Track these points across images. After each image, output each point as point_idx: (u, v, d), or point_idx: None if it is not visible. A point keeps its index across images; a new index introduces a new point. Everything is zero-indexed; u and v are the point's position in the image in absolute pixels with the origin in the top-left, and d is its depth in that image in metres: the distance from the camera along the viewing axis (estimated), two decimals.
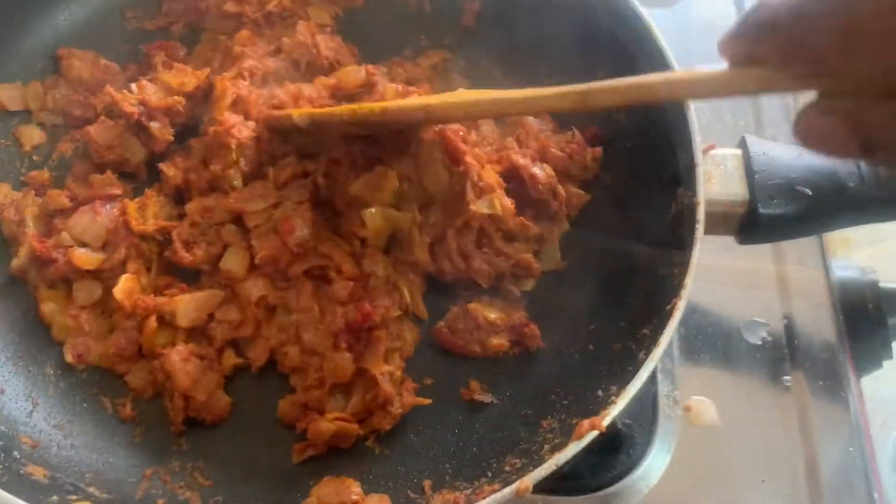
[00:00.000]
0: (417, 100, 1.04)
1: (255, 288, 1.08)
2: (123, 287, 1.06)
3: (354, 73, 1.18)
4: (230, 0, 1.30)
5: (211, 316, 1.08)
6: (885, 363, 1.34)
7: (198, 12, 1.33)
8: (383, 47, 1.36)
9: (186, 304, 1.05)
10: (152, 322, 1.04)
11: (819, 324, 1.30)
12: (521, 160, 1.14)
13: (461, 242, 1.08)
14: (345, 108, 1.07)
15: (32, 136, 1.22)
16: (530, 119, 1.24)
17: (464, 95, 1.04)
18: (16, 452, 0.96)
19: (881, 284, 1.34)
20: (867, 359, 1.32)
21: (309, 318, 1.07)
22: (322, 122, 1.07)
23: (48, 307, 1.09)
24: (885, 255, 1.47)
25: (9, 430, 0.99)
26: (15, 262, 1.10)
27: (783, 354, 1.26)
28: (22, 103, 1.23)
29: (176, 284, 1.10)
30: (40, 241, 1.09)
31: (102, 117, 1.19)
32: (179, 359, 1.02)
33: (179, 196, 1.17)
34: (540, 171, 1.14)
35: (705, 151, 1.09)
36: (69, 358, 1.07)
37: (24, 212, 1.12)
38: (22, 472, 0.93)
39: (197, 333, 1.08)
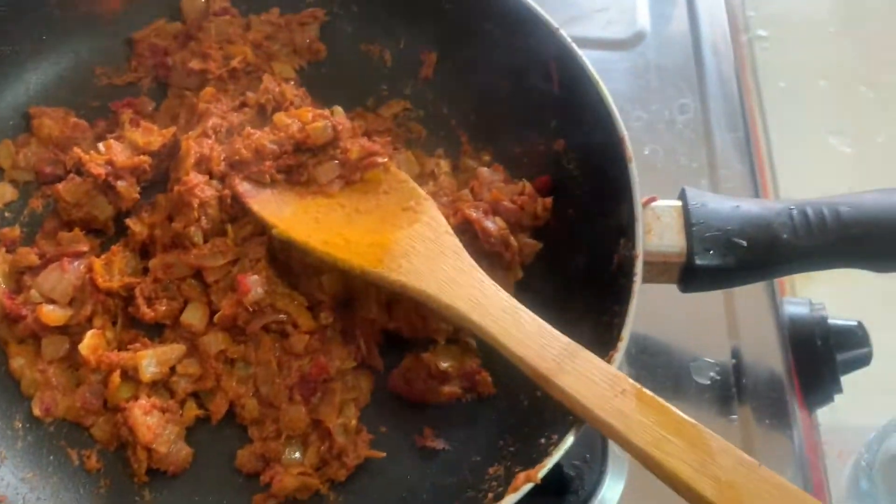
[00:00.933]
0: (397, 276, 1.08)
1: (215, 342, 1.13)
2: (89, 343, 1.10)
3: (322, 131, 1.21)
4: (195, 58, 1.35)
5: (172, 369, 1.12)
6: (837, 397, 1.38)
7: (164, 68, 1.38)
8: (345, 98, 1.41)
9: (148, 360, 1.10)
10: (116, 377, 1.08)
11: (767, 361, 1.34)
12: (474, 214, 1.18)
13: (418, 304, 1.12)
14: (324, 250, 1.12)
15: (4, 193, 1.27)
16: (483, 170, 1.29)
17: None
18: None
19: (830, 321, 1.39)
20: (817, 393, 1.37)
21: (267, 371, 1.11)
22: (297, 247, 1.13)
23: (17, 362, 1.13)
24: (837, 291, 1.52)
25: None
26: None
27: (731, 393, 1.30)
28: None
29: (140, 339, 1.14)
30: (10, 298, 1.13)
31: (71, 175, 1.23)
32: (141, 412, 1.06)
33: (145, 250, 1.22)
34: (492, 225, 1.18)
35: (646, 204, 1.13)
36: (37, 412, 1.11)
37: None
38: None
39: (159, 386, 1.12)
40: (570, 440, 0.96)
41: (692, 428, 0.91)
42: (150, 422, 1.06)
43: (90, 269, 1.15)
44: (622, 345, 1.02)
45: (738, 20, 1.87)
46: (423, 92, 1.44)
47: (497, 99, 1.38)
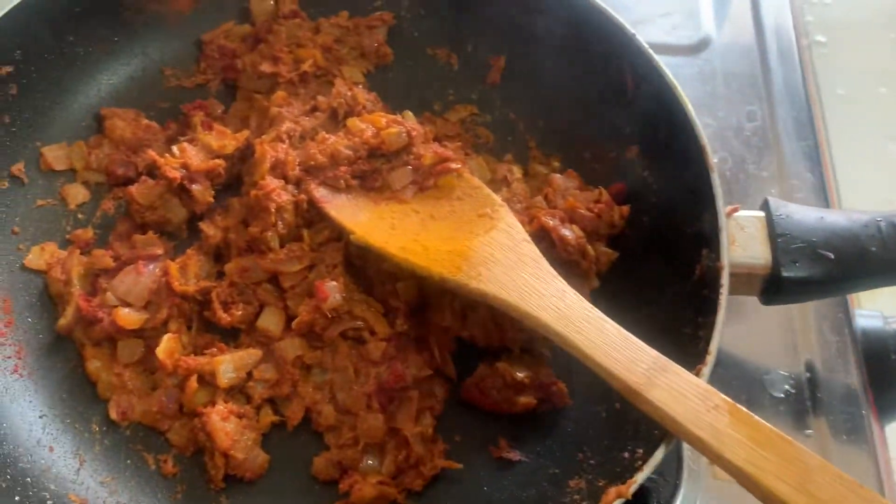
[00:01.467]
0: (477, 285, 1.06)
1: (292, 347, 1.12)
2: (165, 347, 1.10)
3: (397, 137, 1.21)
4: (265, 61, 1.35)
5: (249, 375, 1.12)
6: None
7: (234, 70, 1.38)
8: (412, 103, 1.40)
9: (226, 365, 1.09)
10: (193, 382, 1.08)
11: (842, 375, 1.32)
12: (551, 222, 1.17)
13: (494, 312, 1.11)
14: (402, 257, 1.11)
15: (77, 194, 1.27)
16: (557, 176, 1.28)
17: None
18: None
19: None
20: (891, 408, 1.34)
21: (343, 377, 1.10)
22: (375, 253, 1.12)
23: (94, 365, 1.13)
24: None
25: (58, 489, 1.03)
26: (62, 322, 1.15)
27: (805, 407, 1.28)
28: (67, 163, 1.28)
29: (216, 343, 1.14)
30: (86, 301, 1.13)
31: (143, 177, 1.23)
32: (219, 418, 1.06)
33: (217, 254, 1.21)
34: (569, 233, 1.16)
35: (729, 214, 1.11)
36: (114, 415, 1.11)
37: (71, 271, 1.17)
38: None
39: (235, 392, 1.12)
40: (660, 455, 0.94)
41: (787, 444, 0.89)
42: (228, 427, 1.06)
43: (166, 273, 1.14)
44: (710, 359, 1.00)
45: (798, 25, 1.84)
46: (490, 97, 1.43)
47: (567, 104, 1.37)
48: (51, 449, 1.07)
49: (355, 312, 1.12)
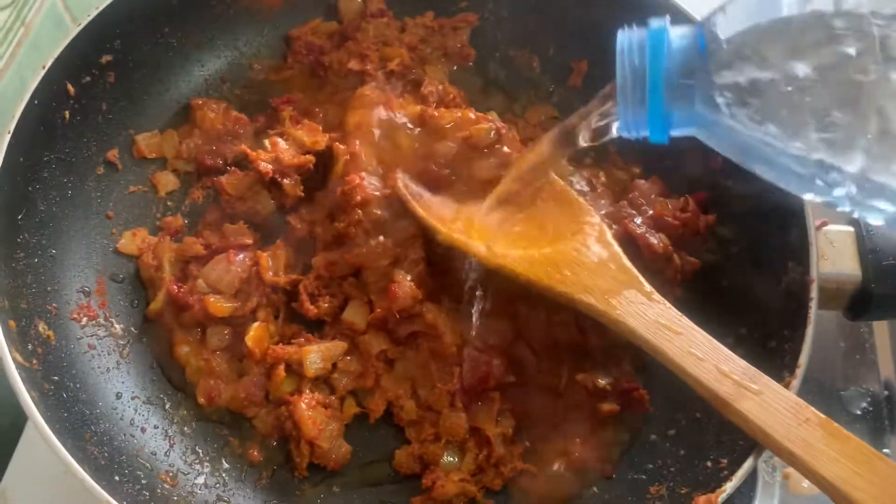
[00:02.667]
0: (563, 288, 1.07)
1: (376, 341, 1.14)
2: (254, 335, 1.12)
3: (486, 133, 1.22)
4: (353, 58, 1.37)
5: (334, 366, 1.14)
6: None
7: (321, 67, 1.40)
8: (493, 104, 1.41)
9: (313, 355, 1.11)
10: (281, 371, 1.10)
11: None
12: (638, 229, 1.17)
13: (578, 317, 1.12)
14: (486, 257, 1.12)
15: (167, 182, 1.30)
16: (641, 182, 1.28)
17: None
18: (158, 490, 1.02)
19: None
20: None
21: (425, 374, 1.12)
22: (459, 250, 1.14)
23: (182, 350, 1.16)
24: None
25: (151, 468, 1.06)
26: (153, 306, 1.18)
27: (883, 425, 1.27)
28: (158, 151, 1.31)
29: (302, 334, 1.16)
30: (177, 287, 1.16)
31: (233, 168, 1.26)
32: (307, 407, 1.08)
33: (304, 246, 1.23)
34: (656, 241, 1.17)
35: (818, 228, 1.11)
36: (201, 399, 1.13)
37: (162, 257, 1.20)
38: None
39: (320, 382, 1.14)
40: (748, 465, 0.95)
41: (881, 462, 0.88)
42: (315, 416, 1.08)
43: (256, 263, 1.17)
44: (800, 371, 1.00)
45: None
46: (570, 100, 1.43)
47: None
48: (143, 430, 1.10)
49: (427, 318, 1.13)
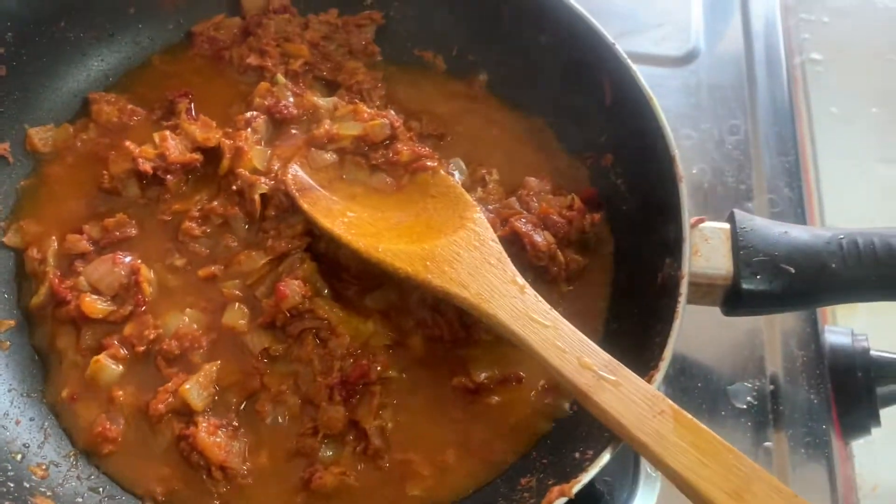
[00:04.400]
0: (441, 283, 1.08)
1: (259, 339, 1.14)
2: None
3: (381, 129, 1.24)
4: (253, 53, 1.37)
5: (216, 387, 1.12)
6: (874, 430, 1.36)
7: (223, 61, 1.41)
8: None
9: (192, 390, 1.09)
10: (173, 425, 1.10)
11: (806, 389, 1.33)
12: (524, 227, 1.19)
13: (462, 312, 1.13)
14: (367, 252, 1.13)
15: (60, 175, 1.29)
16: (531, 179, 1.29)
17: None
18: (26, 483, 1.02)
19: (872, 353, 1.37)
20: (855, 425, 1.35)
21: (308, 369, 1.12)
22: (343, 247, 1.15)
23: (62, 342, 1.15)
24: (880, 322, 1.49)
25: (22, 459, 1.05)
26: (35, 300, 1.17)
27: (767, 419, 1.29)
28: (52, 144, 1.30)
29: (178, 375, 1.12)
30: (59, 281, 1.15)
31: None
32: (207, 434, 1.07)
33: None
34: (540, 239, 1.18)
35: (694, 225, 1.13)
36: (64, 394, 1.12)
37: (47, 251, 1.19)
38: (29, 502, 0.99)
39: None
40: (606, 457, 0.96)
41: (729, 453, 0.91)
42: (218, 442, 1.07)
43: (137, 272, 1.16)
44: (663, 364, 1.02)
45: (792, 42, 1.85)
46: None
47: (546, 109, 1.39)
48: (17, 422, 1.09)
49: (318, 313, 1.14)
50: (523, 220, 1.20)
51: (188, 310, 1.17)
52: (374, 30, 1.47)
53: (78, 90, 1.36)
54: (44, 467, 1.06)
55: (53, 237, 1.21)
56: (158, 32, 1.43)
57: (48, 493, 1.02)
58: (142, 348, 1.12)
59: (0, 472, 1.00)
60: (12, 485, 0.99)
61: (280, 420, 1.12)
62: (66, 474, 1.07)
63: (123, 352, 1.13)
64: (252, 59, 1.37)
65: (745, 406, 1.30)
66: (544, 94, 1.38)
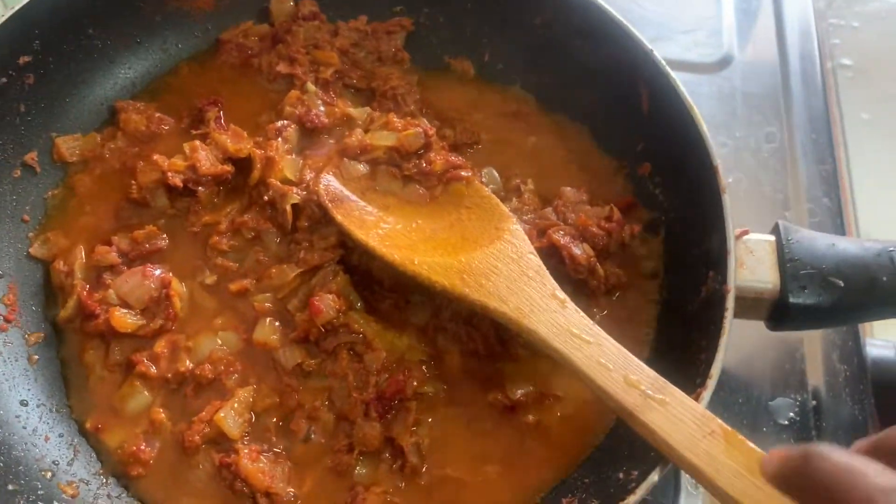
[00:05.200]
0: (478, 296, 1.05)
1: (292, 355, 1.11)
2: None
3: (414, 138, 1.22)
4: (283, 61, 1.35)
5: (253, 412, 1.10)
6: None
7: (250, 68, 1.38)
8: None
9: (228, 418, 1.07)
10: (211, 454, 1.07)
11: (849, 403, 1.29)
12: (562, 239, 1.16)
13: (498, 326, 1.11)
14: (402, 265, 1.10)
15: (87, 186, 1.27)
16: (567, 189, 1.27)
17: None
18: (56, 502, 1.00)
19: None
20: None
21: (342, 384, 1.10)
22: (377, 259, 1.12)
23: (90, 355, 1.13)
24: None
25: (52, 478, 1.03)
26: (63, 313, 1.15)
27: (810, 435, 1.26)
28: (79, 154, 1.29)
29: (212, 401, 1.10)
30: (88, 295, 1.13)
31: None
32: (250, 461, 1.04)
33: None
34: (579, 252, 1.16)
35: (738, 237, 1.10)
36: (88, 424, 1.10)
37: (74, 264, 1.17)
38: None
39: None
40: (654, 478, 0.93)
41: None
42: (261, 468, 1.04)
43: (168, 286, 1.14)
44: (711, 383, 0.99)
45: (824, 47, 1.81)
46: None
47: (579, 119, 1.36)
48: (46, 438, 1.07)
49: (353, 327, 1.11)
50: (561, 233, 1.17)
51: (220, 332, 1.14)
52: (403, 36, 1.44)
53: (105, 98, 1.34)
54: (74, 486, 1.04)
55: (81, 249, 1.19)
56: (186, 39, 1.41)
57: None
58: (171, 374, 1.10)
59: (31, 491, 0.98)
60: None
61: (314, 437, 1.09)
62: (97, 493, 1.05)
63: (153, 370, 1.10)
64: (281, 67, 1.35)
65: (787, 422, 1.26)
66: (578, 102, 1.36)
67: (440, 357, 1.15)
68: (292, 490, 1.05)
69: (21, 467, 1.01)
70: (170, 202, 1.23)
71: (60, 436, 1.09)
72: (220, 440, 1.07)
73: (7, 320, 1.14)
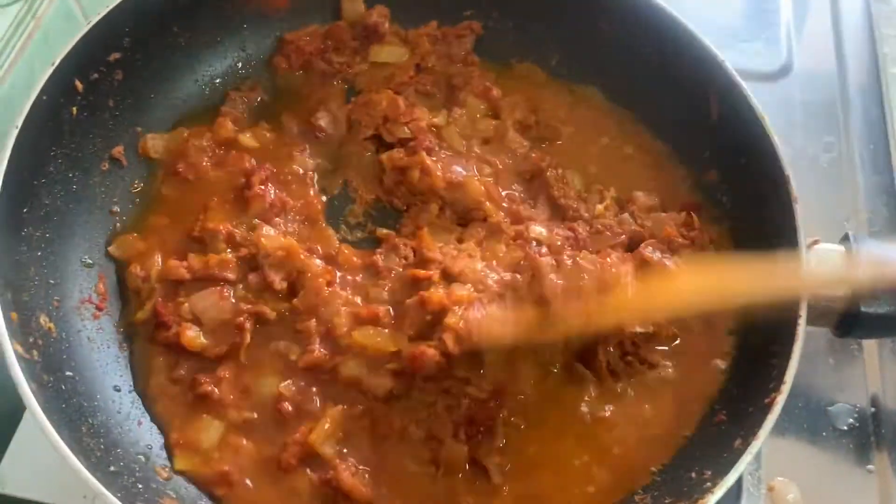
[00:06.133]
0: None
1: (382, 384, 1.13)
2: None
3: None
4: None
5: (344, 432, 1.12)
6: None
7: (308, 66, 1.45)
8: None
9: (321, 442, 1.09)
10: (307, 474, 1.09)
11: None
12: (654, 256, 1.17)
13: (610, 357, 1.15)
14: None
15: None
16: (639, 194, 1.30)
17: None
18: (153, 484, 1.04)
19: None
20: None
21: (431, 410, 1.12)
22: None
23: (156, 363, 1.16)
24: None
25: (147, 461, 1.07)
26: (140, 315, 1.18)
27: (869, 441, 1.28)
28: (164, 152, 1.32)
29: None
30: (163, 306, 1.16)
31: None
32: (350, 475, 1.07)
33: None
34: (671, 264, 1.17)
35: (809, 247, 1.12)
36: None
37: (150, 270, 1.20)
38: (158, 502, 1.01)
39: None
40: (732, 478, 0.96)
41: None
42: (360, 480, 1.07)
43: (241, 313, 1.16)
44: (786, 388, 1.02)
45: (881, 56, 1.82)
46: None
47: (650, 121, 1.39)
48: (139, 423, 1.11)
49: (459, 374, 1.13)
50: (650, 249, 1.19)
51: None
52: (473, 40, 1.47)
53: (188, 96, 1.38)
54: (167, 469, 1.08)
55: (158, 257, 1.21)
56: (263, 39, 1.45)
57: (173, 495, 1.04)
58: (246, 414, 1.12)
59: (129, 473, 1.02)
60: (141, 486, 1.01)
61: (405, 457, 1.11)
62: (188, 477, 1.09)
63: (216, 393, 1.12)
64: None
65: (846, 427, 1.29)
66: (647, 107, 1.39)
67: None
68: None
69: (119, 450, 1.05)
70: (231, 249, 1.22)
71: (152, 420, 1.13)
72: (315, 460, 1.09)
73: (99, 308, 1.18)
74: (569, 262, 1.07)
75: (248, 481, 1.08)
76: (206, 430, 1.11)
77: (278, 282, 1.18)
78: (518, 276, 1.11)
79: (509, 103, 1.41)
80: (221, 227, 1.21)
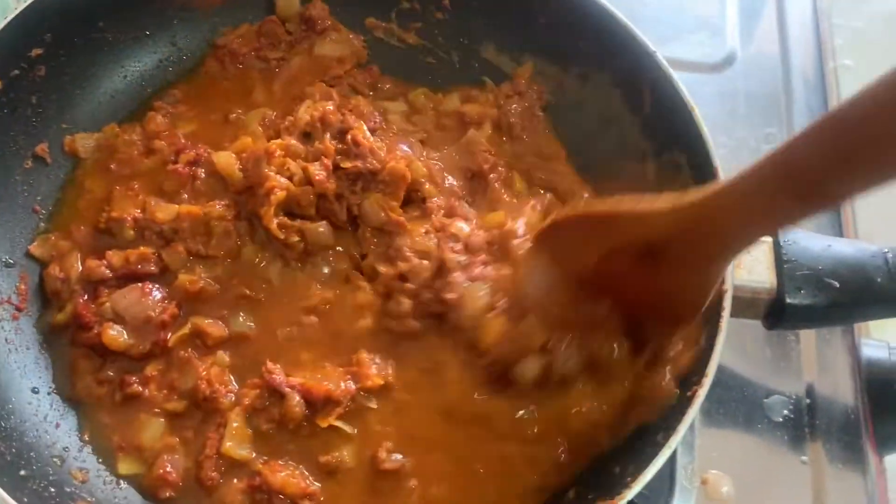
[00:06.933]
0: None
1: None
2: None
3: None
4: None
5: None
6: None
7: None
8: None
9: (233, 447, 1.06)
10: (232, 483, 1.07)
11: (842, 402, 1.32)
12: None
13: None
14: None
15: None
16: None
17: None
18: (67, 487, 1.02)
19: None
20: (890, 439, 1.34)
21: None
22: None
23: (82, 365, 1.13)
24: None
25: (62, 464, 1.05)
26: (60, 317, 1.14)
27: (803, 433, 1.28)
28: (93, 150, 1.29)
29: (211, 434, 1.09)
30: (85, 306, 1.13)
31: None
32: (273, 473, 1.05)
33: None
34: None
35: None
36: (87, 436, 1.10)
37: (69, 271, 1.16)
38: None
39: None
40: (650, 473, 0.95)
41: None
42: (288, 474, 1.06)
43: (165, 311, 1.13)
44: (707, 381, 1.01)
45: (826, 48, 1.82)
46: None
47: (586, 116, 1.38)
48: (57, 425, 1.09)
49: None
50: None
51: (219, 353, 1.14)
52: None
53: (115, 91, 1.36)
54: (84, 472, 1.06)
55: (78, 257, 1.18)
56: (195, 33, 1.42)
57: (89, 498, 1.02)
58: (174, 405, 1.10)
59: (42, 476, 1.00)
60: (53, 489, 0.99)
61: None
62: (106, 479, 1.07)
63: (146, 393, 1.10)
64: None
65: (781, 419, 1.29)
66: (583, 100, 1.37)
67: None
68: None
69: (32, 453, 1.03)
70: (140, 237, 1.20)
71: (70, 422, 1.10)
72: (236, 466, 1.06)
73: (18, 309, 1.16)
74: (478, 269, 1.05)
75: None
76: (146, 430, 1.09)
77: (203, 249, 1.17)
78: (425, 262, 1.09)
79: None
80: (126, 215, 1.18)
